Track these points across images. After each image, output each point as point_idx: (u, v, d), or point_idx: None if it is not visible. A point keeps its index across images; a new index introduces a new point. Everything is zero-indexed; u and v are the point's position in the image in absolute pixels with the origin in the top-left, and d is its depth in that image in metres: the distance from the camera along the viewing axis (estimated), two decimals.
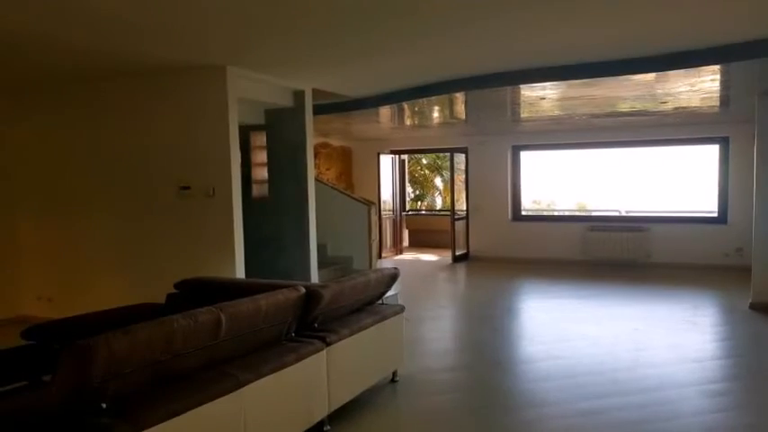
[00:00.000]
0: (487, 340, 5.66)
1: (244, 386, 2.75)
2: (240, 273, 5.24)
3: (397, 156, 12.28)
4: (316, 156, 9.13)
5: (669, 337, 5.55)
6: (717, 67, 5.33)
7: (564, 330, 5.91)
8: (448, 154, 11.57)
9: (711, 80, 5.92)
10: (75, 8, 3.50)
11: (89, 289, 5.94)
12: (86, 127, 5.88)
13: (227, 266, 5.18)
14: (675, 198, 11.79)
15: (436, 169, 16.52)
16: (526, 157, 11.04)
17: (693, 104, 7.40)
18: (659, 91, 6.46)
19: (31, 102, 6.20)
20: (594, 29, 4.42)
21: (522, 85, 6.08)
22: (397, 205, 12.36)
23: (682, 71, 5.34)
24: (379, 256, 10.34)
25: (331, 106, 7.19)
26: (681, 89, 6.31)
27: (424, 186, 16.83)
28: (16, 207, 6.42)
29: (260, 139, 6.46)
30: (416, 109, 7.97)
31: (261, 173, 6.51)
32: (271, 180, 6.44)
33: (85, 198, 5.98)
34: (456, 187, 11.18)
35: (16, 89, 6.11)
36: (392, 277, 4.29)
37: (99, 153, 5.84)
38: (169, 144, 5.43)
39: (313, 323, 3.54)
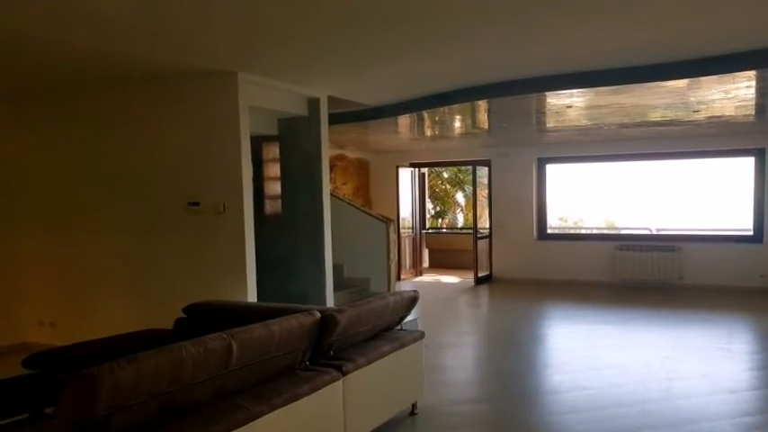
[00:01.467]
0: (512, 369, 5.43)
1: (256, 419, 2.62)
2: (252, 295, 5.03)
3: (416, 169, 11.95)
4: (331, 169, 8.94)
5: (702, 366, 5.33)
6: (752, 73, 5.12)
7: (592, 358, 5.68)
8: (470, 167, 11.29)
9: (747, 87, 5.67)
10: (78, 9, 3.37)
11: (93, 312, 5.73)
12: (89, 138, 5.68)
13: (237, 288, 4.97)
14: (708, 215, 11.42)
15: (458, 183, 16.15)
16: (552, 170, 10.68)
17: (728, 113, 7.14)
18: (692, 99, 6.22)
19: (33, 111, 6.02)
20: (622, 32, 4.23)
21: (547, 93, 5.88)
22: (417, 223, 11.96)
23: (715, 77, 5.14)
24: (398, 278, 10.02)
25: (347, 115, 7.00)
26: (714, 96, 6.08)
27: (444, 202, 16.46)
28: (17, 224, 6.18)
29: (273, 151, 6.22)
30: (437, 118, 7.76)
31: (274, 187, 6.27)
32: (284, 195, 6.19)
33: (89, 215, 5.78)
34: (479, 203, 10.83)
35: (18, 97, 5.95)
36: (412, 301, 4.13)
37: (103, 166, 5.63)
38: (177, 156, 5.22)
39: (328, 350, 3.38)
